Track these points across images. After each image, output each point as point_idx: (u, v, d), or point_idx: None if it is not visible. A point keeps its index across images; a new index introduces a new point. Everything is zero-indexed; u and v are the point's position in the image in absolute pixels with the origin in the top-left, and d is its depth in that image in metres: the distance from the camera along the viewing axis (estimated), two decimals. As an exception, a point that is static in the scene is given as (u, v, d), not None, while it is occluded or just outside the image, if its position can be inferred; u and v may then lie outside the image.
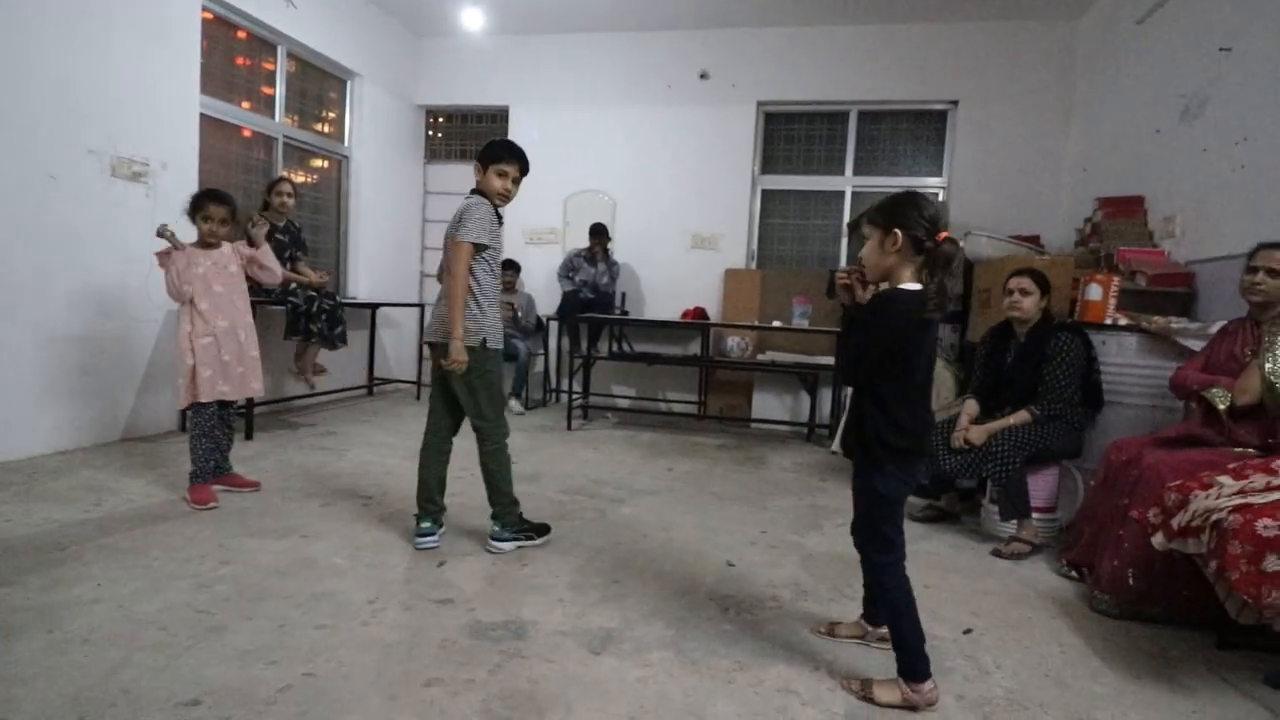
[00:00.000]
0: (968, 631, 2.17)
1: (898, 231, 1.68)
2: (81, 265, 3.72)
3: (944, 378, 4.12)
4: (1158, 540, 2.00)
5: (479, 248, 2.53)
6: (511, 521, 2.68)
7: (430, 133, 7.02)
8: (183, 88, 4.28)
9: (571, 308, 5.80)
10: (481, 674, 1.77)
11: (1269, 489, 1.87)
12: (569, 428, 5.17)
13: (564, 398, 5.88)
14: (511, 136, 6.63)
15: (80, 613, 1.96)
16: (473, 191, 2.65)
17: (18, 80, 3.37)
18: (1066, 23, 5.47)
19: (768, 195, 6.32)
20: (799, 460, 4.56)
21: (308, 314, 4.41)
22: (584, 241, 5.97)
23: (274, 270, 3.19)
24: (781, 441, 5.23)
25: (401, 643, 1.91)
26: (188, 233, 3.04)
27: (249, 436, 4.15)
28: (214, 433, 3.03)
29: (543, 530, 2.75)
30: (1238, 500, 1.85)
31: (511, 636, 1.98)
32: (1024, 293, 3.05)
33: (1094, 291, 3.33)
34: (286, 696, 1.63)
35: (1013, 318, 3.12)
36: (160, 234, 2.93)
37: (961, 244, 4.59)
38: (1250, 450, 2.33)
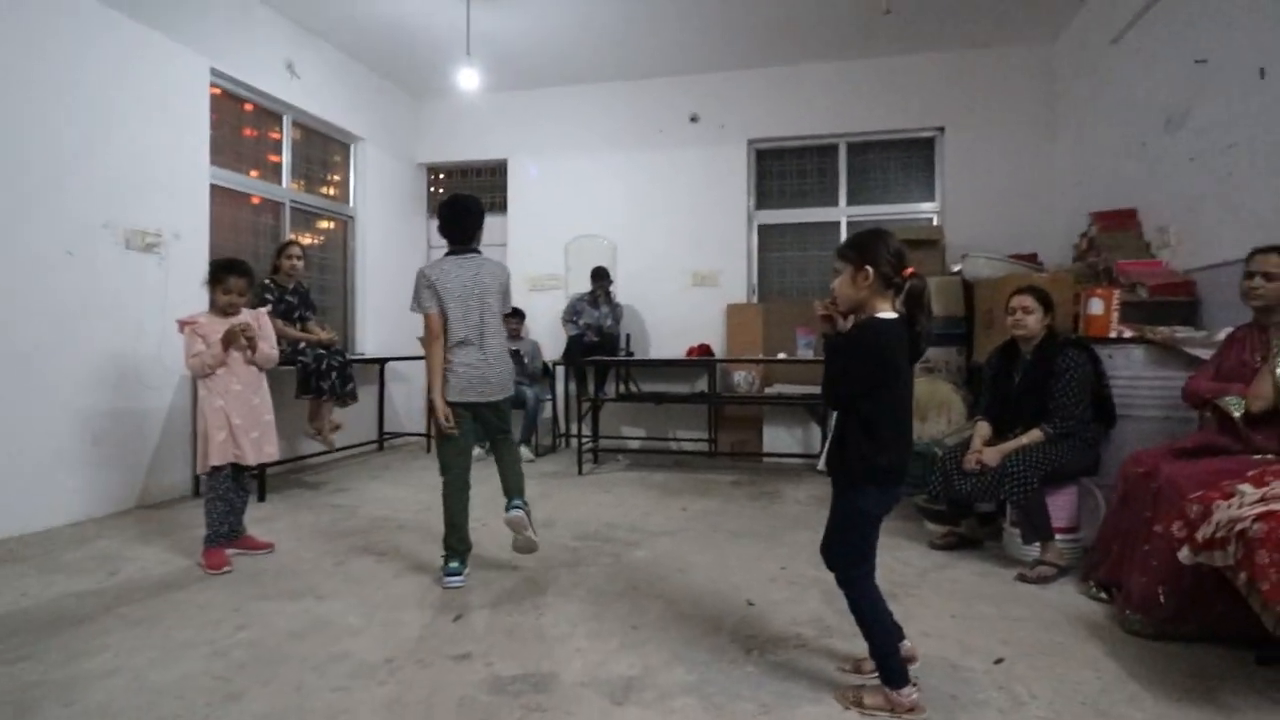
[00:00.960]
0: (999, 661, 2.12)
1: (869, 269, 1.79)
2: (95, 336, 3.78)
3: (953, 401, 4.11)
4: (1184, 554, 1.96)
5: None
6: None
7: (432, 189, 7.18)
8: (193, 160, 4.42)
9: (577, 351, 5.84)
10: (503, 729, 1.74)
11: (1291, 495, 1.84)
12: (580, 472, 5.15)
13: (574, 442, 5.86)
14: (510, 187, 6.78)
15: (98, 685, 1.95)
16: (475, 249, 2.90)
17: (34, 158, 3.49)
18: (1043, 46, 5.60)
19: (764, 230, 6.40)
20: (814, 493, 4.51)
21: (318, 372, 4.45)
22: (586, 286, 6.04)
23: (270, 355, 3.18)
24: (795, 474, 5.19)
25: (420, 702, 1.88)
26: (199, 301, 3.11)
27: (262, 498, 4.15)
28: (228, 496, 3.04)
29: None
30: (1261, 508, 1.82)
31: (531, 690, 1.94)
32: (1026, 311, 3.06)
33: (1096, 306, 3.34)
34: (306, 763, 1.60)
35: (1017, 336, 3.12)
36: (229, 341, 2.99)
37: (959, 267, 4.63)
38: (1269, 456, 2.30)
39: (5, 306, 3.37)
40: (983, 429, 3.15)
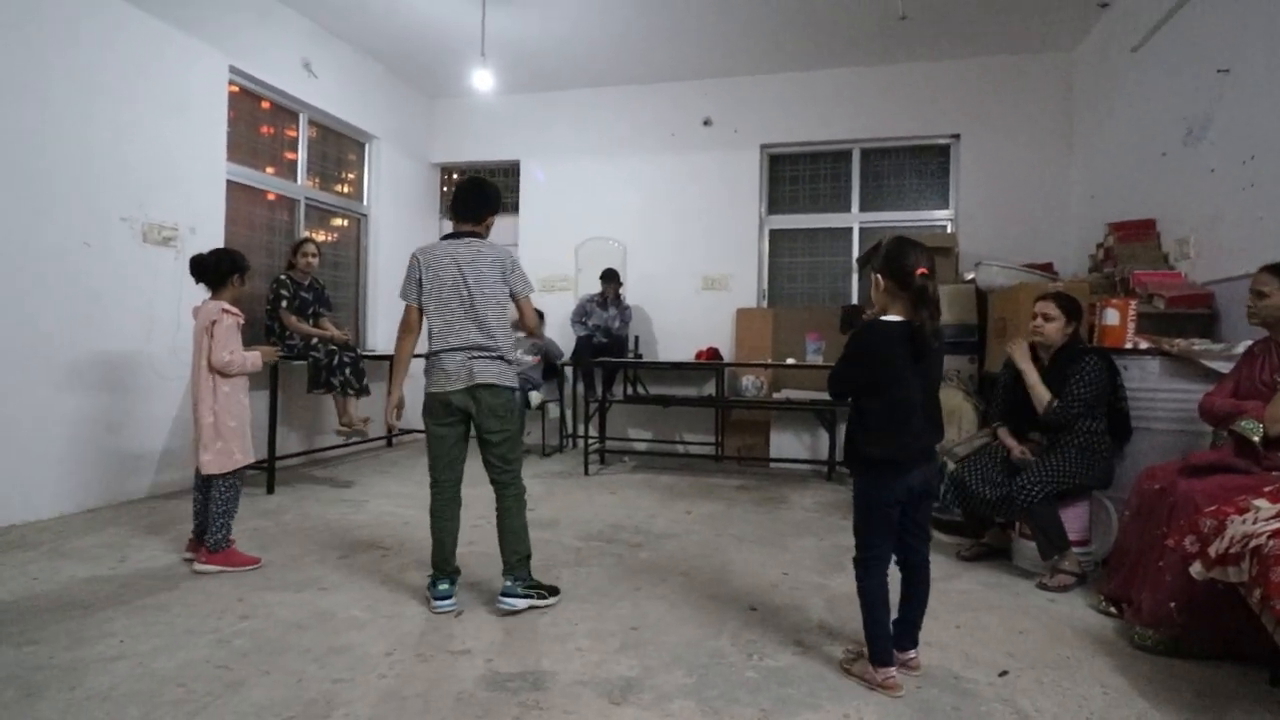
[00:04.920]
0: (1004, 674, 2.09)
1: (877, 277, 2.02)
2: (109, 327, 3.83)
3: (964, 409, 4.07)
4: (1196, 570, 1.93)
5: None
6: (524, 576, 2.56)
7: (444, 189, 7.21)
8: (210, 156, 4.47)
9: (585, 352, 5.84)
10: (500, 726, 1.74)
11: (1307, 512, 1.81)
12: (586, 473, 5.14)
13: (581, 443, 5.86)
14: (522, 188, 6.80)
15: (102, 670, 1.96)
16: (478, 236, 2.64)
17: (56, 152, 3.54)
18: (1062, 54, 5.56)
19: (776, 235, 6.38)
20: (820, 499, 4.48)
21: (329, 367, 4.49)
22: (596, 287, 6.04)
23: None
24: (801, 481, 5.16)
25: (418, 695, 1.88)
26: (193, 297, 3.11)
27: (270, 490, 4.18)
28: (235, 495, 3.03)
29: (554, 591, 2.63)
30: (1276, 524, 1.79)
31: (529, 688, 1.94)
32: (1047, 318, 3.01)
33: (1111, 316, 3.29)
34: (303, 754, 1.60)
35: (1036, 342, 3.08)
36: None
37: (972, 275, 4.59)
38: (1286, 473, 2.25)
39: (25, 295, 3.42)
40: (1005, 432, 3.15)
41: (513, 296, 2.63)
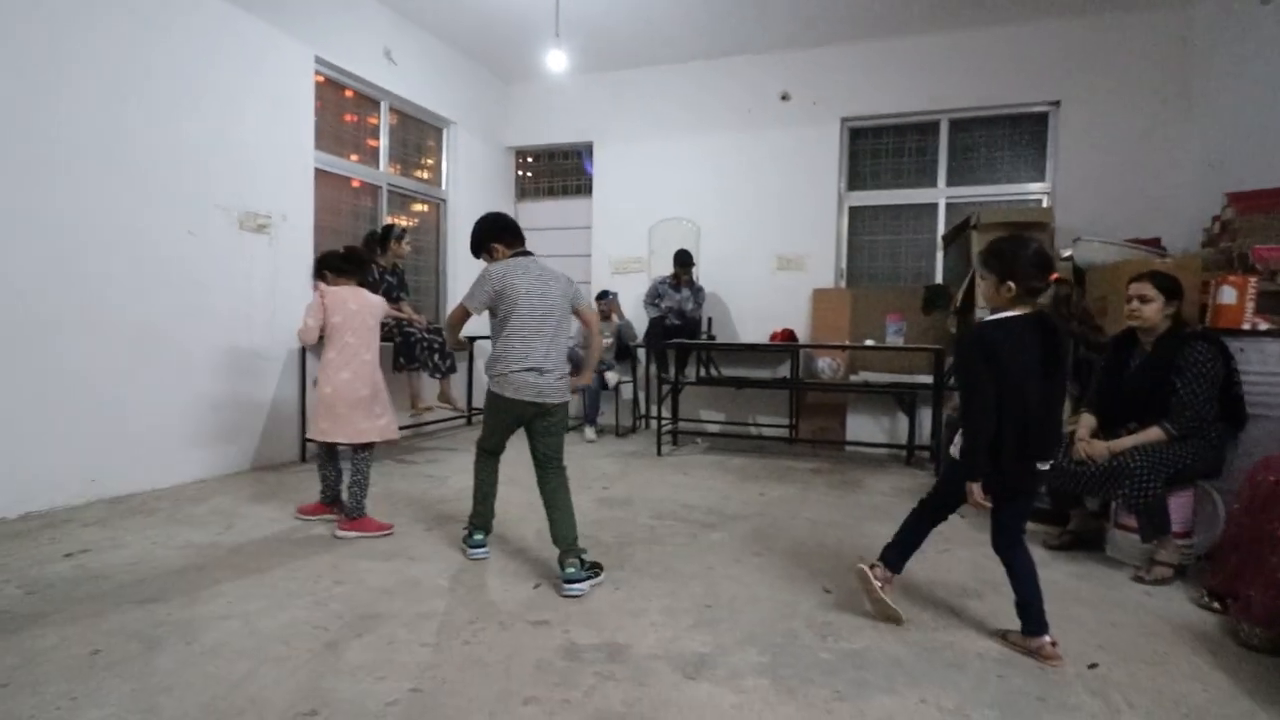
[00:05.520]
0: (1094, 666, 2.00)
1: (995, 278, 2.02)
2: (213, 310, 4.10)
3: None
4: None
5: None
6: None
7: (520, 172, 7.34)
8: (299, 145, 4.69)
9: (658, 334, 5.85)
10: (577, 695, 1.79)
11: None
12: (659, 453, 5.18)
13: (653, 424, 5.91)
14: (595, 170, 6.83)
15: (214, 627, 2.14)
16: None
17: (159, 147, 3.80)
18: (1177, 11, 5.10)
19: (855, 212, 6.18)
20: (898, 484, 4.36)
21: (418, 345, 4.69)
22: (669, 268, 6.03)
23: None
24: (879, 465, 5.04)
25: (500, 662, 1.96)
26: (305, 279, 3.27)
27: (360, 465, 4.41)
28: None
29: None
30: None
31: (605, 659, 1.99)
32: (1144, 300, 2.82)
33: (1228, 294, 3.05)
34: (394, 711, 1.71)
35: (1135, 326, 2.89)
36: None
37: (1069, 251, 4.33)
38: None
39: (136, 282, 3.70)
40: (1087, 420, 2.95)
41: (576, 311, 2.82)
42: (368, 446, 3.18)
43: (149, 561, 2.69)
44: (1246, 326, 2.97)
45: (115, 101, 3.59)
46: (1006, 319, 1.99)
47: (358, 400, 3.12)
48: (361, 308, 3.21)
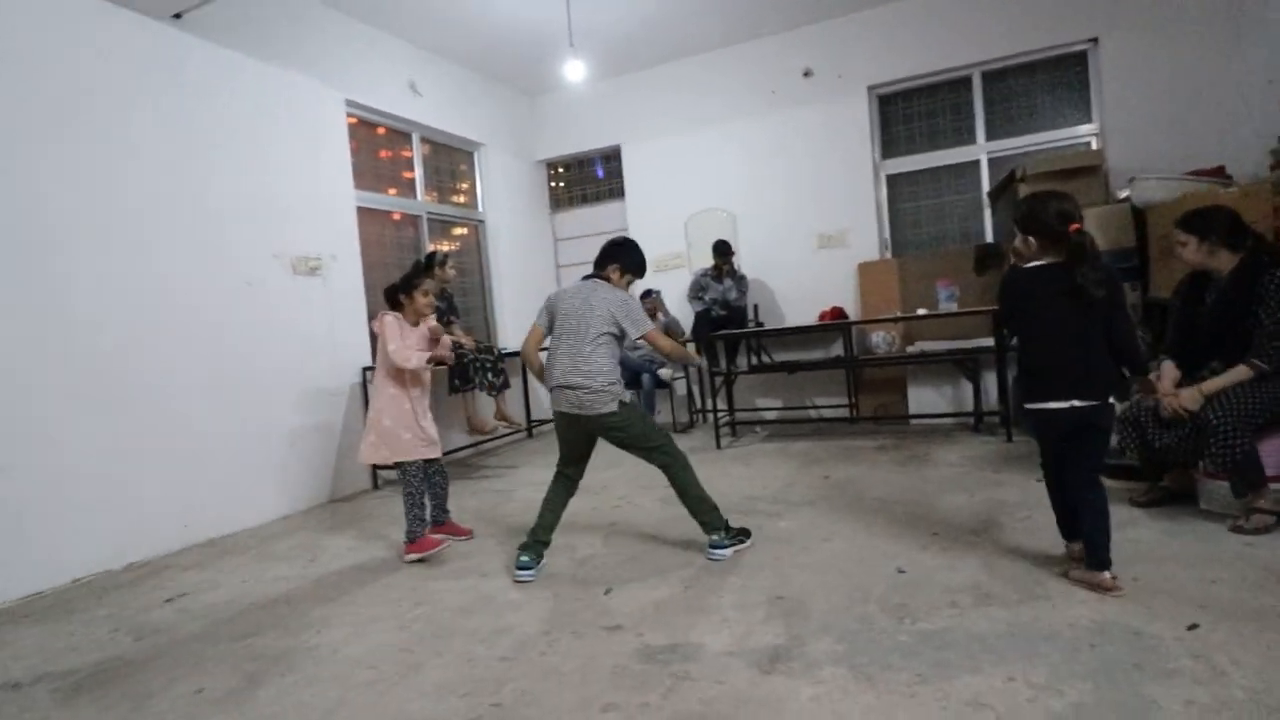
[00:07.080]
0: (1193, 627, 1.89)
1: (1025, 236, 2.22)
2: (278, 353, 4.30)
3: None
4: None
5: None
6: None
7: (552, 184, 7.42)
8: (340, 187, 4.87)
9: (705, 327, 5.83)
10: (654, 698, 1.80)
11: None
12: (718, 446, 5.16)
13: (710, 417, 5.89)
14: (625, 170, 6.85)
15: (306, 657, 2.24)
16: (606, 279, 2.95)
17: (210, 204, 3.99)
18: (1219, -79, 4.79)
19: (893, 180, 6.02)
20: (968, 453, 4.23)
21: (470, 369, 4.80)
22: (708, 261, 6.00)
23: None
24: (946, 436, 4.89)
25: (576, 670, 1.99)
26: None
27: (429, 488, 4.54)
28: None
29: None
30: None
31: (680, 659, 2.00)
32: (1182, 245, 2.75)
33: (1303, 218, 2.84)
34: (479, 725, 1.75)
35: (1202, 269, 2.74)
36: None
37: (1126, 193, 4.12)
38: None
39: (207, 336, 3.90)
40: (1169, 369, 2.78)
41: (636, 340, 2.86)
42: (409, 469, 3.19)
43: (243, 599, 2.84)
44: (1329, 249, 2.76)
45: (183, 165, 3.83)
46: (1035, 267, 2.19)
47: (433, 424, 3.32)
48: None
